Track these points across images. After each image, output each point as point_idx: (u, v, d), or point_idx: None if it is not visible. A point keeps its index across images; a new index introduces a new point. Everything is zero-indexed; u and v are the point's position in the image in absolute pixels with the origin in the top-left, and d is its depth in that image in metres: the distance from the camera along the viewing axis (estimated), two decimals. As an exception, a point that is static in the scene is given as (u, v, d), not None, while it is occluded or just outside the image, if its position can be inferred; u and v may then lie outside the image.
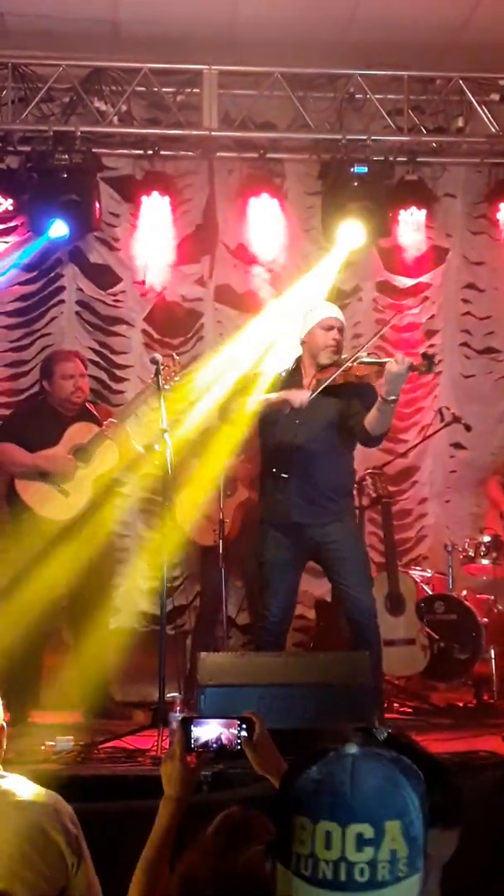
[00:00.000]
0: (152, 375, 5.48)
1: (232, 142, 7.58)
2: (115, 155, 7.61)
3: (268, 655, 5.33)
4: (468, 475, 7.91)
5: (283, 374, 5.71)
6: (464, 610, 6.72)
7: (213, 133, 7.37)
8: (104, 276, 7.68)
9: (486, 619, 6.70)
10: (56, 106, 7.41)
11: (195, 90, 7.40)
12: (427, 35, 6.99)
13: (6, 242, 7.39)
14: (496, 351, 8.06)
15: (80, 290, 7.64)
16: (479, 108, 7.54)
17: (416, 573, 7.13)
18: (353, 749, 1.37)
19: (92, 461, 5.95)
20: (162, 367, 5.48)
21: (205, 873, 2.15)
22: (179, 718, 2.63)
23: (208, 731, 2.55)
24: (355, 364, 5.44)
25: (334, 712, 4.56)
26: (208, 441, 6.25)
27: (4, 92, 7.25)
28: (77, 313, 7.64)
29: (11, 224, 7.37)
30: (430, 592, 6.97)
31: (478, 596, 6.96)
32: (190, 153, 7.61)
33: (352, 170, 7.27)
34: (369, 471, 7.00)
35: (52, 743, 4.92)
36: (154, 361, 5.51)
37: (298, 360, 5.73)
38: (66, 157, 7.04)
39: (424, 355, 5.43)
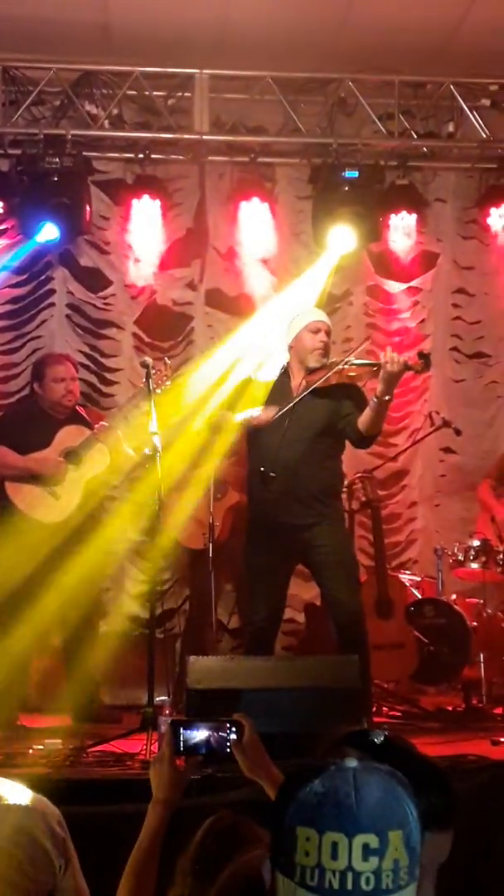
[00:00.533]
0: (143, 379, 5.49)
1: (223, 146, 7.58)
2: (105, 158, 7.61)
3: (257, 659, 5.34)
4: (458, 479, 7.92)
5: (272, 381, 5.73)
6: (453, 614, 6.72)
7: (204, 137, 7.37)
8: (94, 280, 7.67)
9: (475, 623, 6.72)
10: (47, 109, 7.41)
11: (186, 94, 7.41)
12: (418, 40, 7.00)
13: (-4, 245, 7.39)
14: (486, 355, 8.08)
15: (71, 293, 7.63)
16: (469, 114, 7.57)
17: (405, 577, 7.14)
18: (352, 763, 1.40)
19: (83, 464, 5.94)
20: (153, 371, 5.48)
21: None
22: (168, 722, 2.63)
23: (197, 734, 2.55)
24: (347, 366, 5.47)
25: (324, 716, 4.56)
26: (198, 444, 6.25)
27: (-5, 95, 7.25)
28: (67, 316, 7.63)
29: (2, 227, 7.37)
30: (420, 596, 6.98)
31: (467, 600, 6.98)
32: (181, 157, 7.61)
33: (343, 174, 7.28)
34: (359, 475, 7.01)
35: (41, 746, 4.92)
36: (144, 365, 5.51)
37: (286, 367, 5.75)
38: (57, 160, 7.03)
39: (421, 354, 5.48)
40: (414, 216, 7.61)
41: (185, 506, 6.44)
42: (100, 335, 7.68)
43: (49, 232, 7.06)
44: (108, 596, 6.98)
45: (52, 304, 7.62)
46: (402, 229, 7.64)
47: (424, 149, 7.73)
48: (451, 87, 7.50)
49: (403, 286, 7.97)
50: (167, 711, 4.86)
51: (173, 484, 6.13)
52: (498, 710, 6.23)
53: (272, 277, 7.65)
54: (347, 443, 5.76)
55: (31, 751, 4.88)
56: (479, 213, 7.84)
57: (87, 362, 7.50)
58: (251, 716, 2.63)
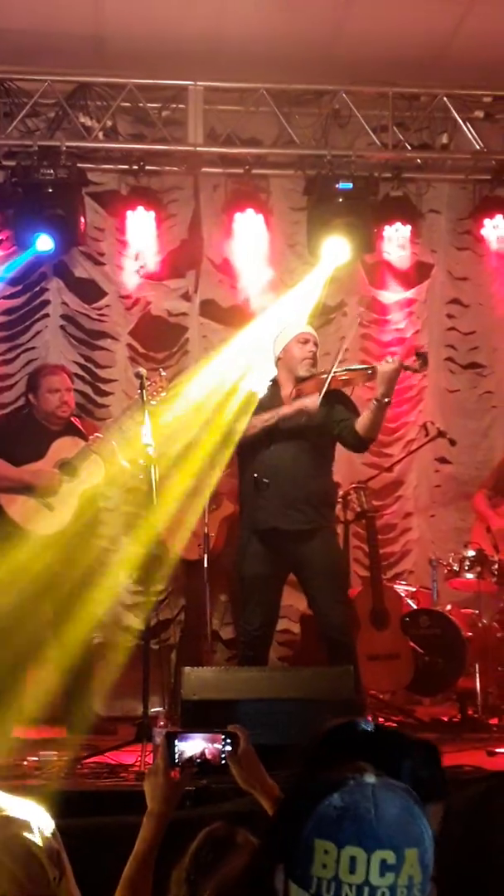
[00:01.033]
0: (138, 390, 5.49)
1: (217, 157, 7.60)
2: (100, 170, 7.64)
3: (252, 670, 5.33)
4: (453, 490, 7.93)
5: (261, 396, 5.74)
6: (448, 624, 6.72)
7: (198, 149, 7.39)
8: (89, 291, 7.68)
9: (470, 634, 6.71)
10: (41, 121, 7.43)
11: (181, 106, 7.43)
12: (412, 52, 7.03)
13: (-9, 256, 7.40)
14: (481, 366, 8.09)
15: (65, 304, 7.64)
16: (463, 125, 7.60)
17: (400, 587, 7.14)
18: (371, 779, 1.43)
19: (77, 475, 5.94)
20: (147, 382, 5.48)
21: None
22: (163, 733, 2.62)
23: (192, 745, 2.54)
24: (340, 371, 5.52)
25: (319, 727, 4.55)
26: (193, 456, 6.24)
27: (-10, 107, 7.28)
28: (62, 327, 7.64)
29: (-4, 238, 7.39)
30: (415, 607, 6.97)
31: (462, 610, 6.96)
32: (175, 168, 7.63)
33: (337, 186, 7.30)
34: (354, 485, 7.00)
35: (36, 758, 4.91)
36: (139, 376, 5.52)
37: (274, 380, 5.78)
38: (52, 171, 7.04)
39: (418, 352, 5.51)
40: (408, 227, 7.64)
41: (179, 517, 6.42)
42: (94, 346, 7.68)
43: (44, 243, 7.08)
44: (102, 607, 6.96)
45: (47, 315, 7.63)
46: (396, 240, 7.67)
47: (418, 160, 7.77)
48: (445, 98, 7.53)
49: (398, 297, 7.99)
50: (162, 722, 4.85)
51: (176, 494, 6.12)
52: (494, 721, 6.22)
53: (267, 289, 7.66)
54: (343, 449, 5.78)
55: (25, 762, 4.88)
56: (473, 224, 7.87)
57: (81, 373, 7.50)
58: (246, 727, 2.62)
